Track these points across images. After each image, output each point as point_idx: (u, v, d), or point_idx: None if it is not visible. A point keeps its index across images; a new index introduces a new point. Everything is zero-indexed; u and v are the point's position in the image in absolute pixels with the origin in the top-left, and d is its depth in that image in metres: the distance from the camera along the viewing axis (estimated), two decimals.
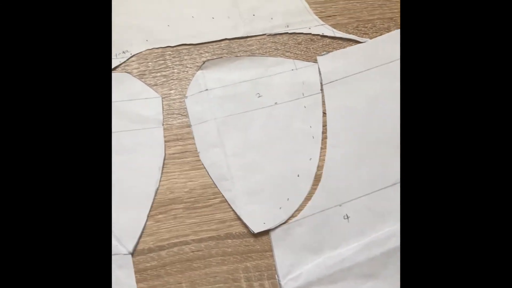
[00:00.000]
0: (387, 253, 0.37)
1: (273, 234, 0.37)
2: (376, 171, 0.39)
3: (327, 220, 0.38)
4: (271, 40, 0.44)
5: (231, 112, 0.41)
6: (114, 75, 0.41)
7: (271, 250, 0.37)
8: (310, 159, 0.40)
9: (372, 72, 0.42)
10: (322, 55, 0.43)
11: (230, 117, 0.41)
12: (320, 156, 0.40)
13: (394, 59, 0.43)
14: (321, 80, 0.42)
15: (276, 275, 0.36)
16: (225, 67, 0.42)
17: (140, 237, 0.36)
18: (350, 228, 0.37)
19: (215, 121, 0.40)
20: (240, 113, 0.41)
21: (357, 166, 0.39)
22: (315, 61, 0.43)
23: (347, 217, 0.38)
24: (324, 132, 0.40)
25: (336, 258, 0.36)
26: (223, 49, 0.43)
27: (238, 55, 0.43)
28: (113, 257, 0.35)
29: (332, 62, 0.43)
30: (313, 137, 0.40)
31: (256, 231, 0.37)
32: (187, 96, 0.41)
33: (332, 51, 0.43)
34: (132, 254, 0.36)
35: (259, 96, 0.41)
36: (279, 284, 0.36)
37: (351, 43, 0.44)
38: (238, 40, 0.43)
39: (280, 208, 0.38)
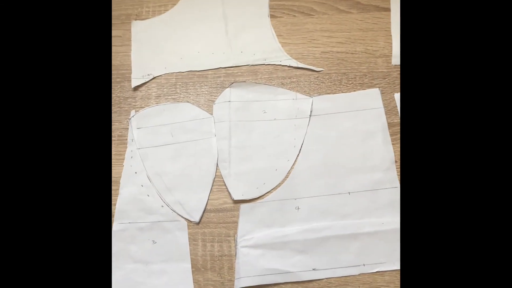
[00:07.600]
0: (320, 238, 0.49)
1: (242, 208, 0.51)
2: (330, 183, 0.52)
3: (283, 207, 0.51)
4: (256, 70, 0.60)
5: (242, 119, 0.57)
6: (177, 105, 0.59)
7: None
8: (288, 160, 0.54)
9: (347, 114, 0.56)
10: (315, 96, 0.58)
11: (240, 122, 0.57)
12: (295, 161, 0.54)
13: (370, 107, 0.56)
14: (311, 111, 0.56)
15: (235, 235, 0.50)
16: (246, 89, 0.59)
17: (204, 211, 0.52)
18: (297, 216, 0.51)
19: (229, 122, 0.57)
20: (248, 120, 0.57)
21: (316, 176, 0.53)
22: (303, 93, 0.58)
23: (298, 208, 0.51)
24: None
25: (280, 233, 0.50)
26: (219, 81, 0.60)
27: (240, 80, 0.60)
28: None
29: (322, 102, 0.57)
30: (294, 147, 0.55)
31: (235, 199, 0.52)
32: (215, 103, 0.59)
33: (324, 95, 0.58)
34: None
35: (264, 112, 0.57)
36: (236, 241, 0.50)
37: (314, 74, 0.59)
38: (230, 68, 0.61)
39: (257, 188, 0.52)
